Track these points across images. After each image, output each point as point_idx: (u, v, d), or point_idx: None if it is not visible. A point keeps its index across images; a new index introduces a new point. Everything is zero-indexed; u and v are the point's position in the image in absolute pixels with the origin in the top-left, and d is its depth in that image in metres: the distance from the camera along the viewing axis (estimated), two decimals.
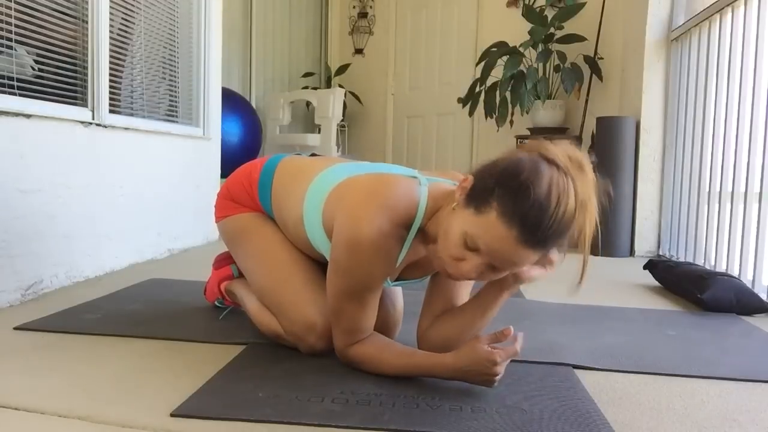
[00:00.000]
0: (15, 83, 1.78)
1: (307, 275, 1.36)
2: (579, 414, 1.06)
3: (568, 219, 0.99)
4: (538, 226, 0.97)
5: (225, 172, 3.59)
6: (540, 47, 3.79)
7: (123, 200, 2.29)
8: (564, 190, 0.98)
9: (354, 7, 5.53)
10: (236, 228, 1.48)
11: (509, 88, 3.83)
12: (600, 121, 3.25)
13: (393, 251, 1.16)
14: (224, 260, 1.68)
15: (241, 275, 1.60)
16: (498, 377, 1.11)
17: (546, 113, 3.91)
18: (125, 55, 2.41)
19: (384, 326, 1.39)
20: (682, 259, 2.89)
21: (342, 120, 4.85)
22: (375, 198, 1.15)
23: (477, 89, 4.00)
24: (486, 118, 4.03)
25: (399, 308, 1.46)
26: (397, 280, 1.29)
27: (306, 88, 5.23)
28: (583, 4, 3.73)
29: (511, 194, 0.99)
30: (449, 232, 1.07)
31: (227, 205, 1.51)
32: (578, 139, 3.83)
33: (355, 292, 1.17)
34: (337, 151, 4.73)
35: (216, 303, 1.72)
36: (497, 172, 1.04)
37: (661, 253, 3.20)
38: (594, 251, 3.22)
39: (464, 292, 1.31)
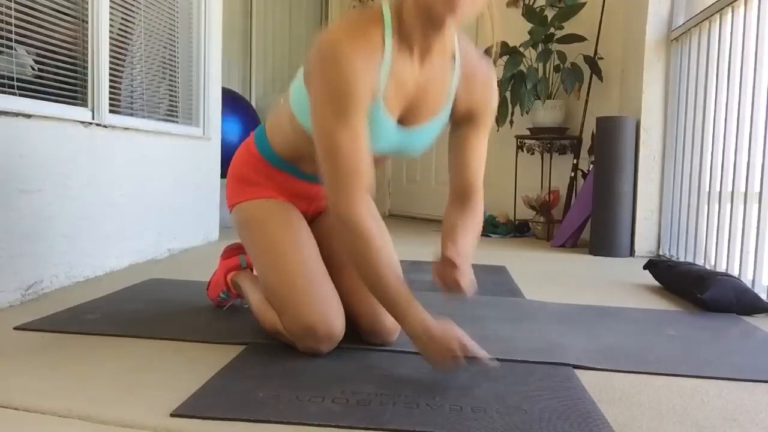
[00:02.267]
0: (15, 83, 1.78)
1: (315, 277, 1.34)
2: (579, 414, 1.06)
3: None
4: None
5: (225, 172, 3.59)
6: (540, 47, 3.79)
7: (123, 200, 2.29)
8: None
9: (354, 7, 5.53)
10: (248, 217, 1.45)
11: (509, 88, 3.83)
12: (600, 121, 3.25)
13: (369, 55, 1.15)
14: (233, 251, 1.68)
15: (248, 266, 1.60)
16: (446, 365, 1.15)
17: (546, 113, 3.90)
18: (125, 55, 2.41)
19: (374, 328, 1.39)
20: (682, 259, 2.89)
21: None
22: (338, 23, 1.18)
23: None
24: None
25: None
26: (403, 124, 1.28)
27: None
28: (583, 4, 3.73)
29: None
30: None
31: (238, 189, 1.48)
32: (578, 140, 3.83)
33: (340, 111, 1.14)
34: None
35: (221, 295, 1.70)
36: None
37: (661, 253, 3.20)
38: (590, 250, 3.23)
39: (477, 164, 1.39)
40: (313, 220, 1.57)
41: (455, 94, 1.32)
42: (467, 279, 1.19)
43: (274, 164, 1.46)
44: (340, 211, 1.17)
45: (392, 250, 1.31)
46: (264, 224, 1.42)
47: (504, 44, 3.89)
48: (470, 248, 1.32)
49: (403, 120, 1.28)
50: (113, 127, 2.22)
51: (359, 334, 1.43)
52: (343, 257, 1.40)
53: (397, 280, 1.18)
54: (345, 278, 1.41)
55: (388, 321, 1.39)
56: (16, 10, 1.79)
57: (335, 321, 1.30)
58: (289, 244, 1.37)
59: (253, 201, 1.45)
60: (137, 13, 2.48)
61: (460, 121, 1.38)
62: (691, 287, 2.01)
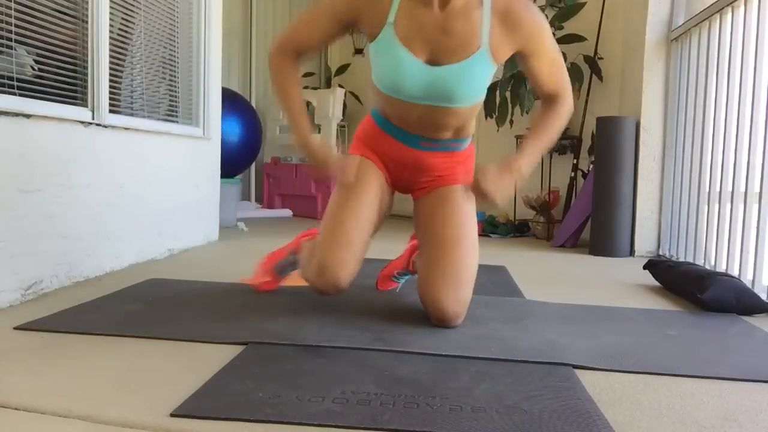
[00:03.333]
0: (15, 83, 1.78)
1: (352, 233, 1.55)
2: (579, 414, 1.06)
3: None
4: None
5: (225, 172, 3.59)
6: None
7: (123, 200, 2.29)
8: None
9: None
10: None
11: (509, 88, 3.84)
12: (600, 121, 3.25)
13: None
14: (314, 231, 1.86)
15: None
16: (319, 176, 1.59)
17: None
18: (125, 55, 2.41)
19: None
20: (682, 259, 2.89)
21: (342, 120, 4.85)
22: None
23: None
24: (486, 118, 4.03)
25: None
26: (432, 64, 1.43)
27: (306, 87, 5.24)
28: (583, 4, 3.73)
29: None
30: None
31: (352, 145, 1.75)
32: (578, 140, 3.83)
33: (316, 5, 1.47)
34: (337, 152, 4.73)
35: (284, 260, 1.87)
36: None
37: (661, 253, 3.20)
38: (591, 250, 3.23)
39: (551, 77, 1.53)
40: (418, 198, 1.75)
41: (491, 34, 1.42)
42: (494, 183, 1.42)
43: (381, 127, 1.66)
44: (270, 52, 1.58)
45: (297, 89, 1.59)
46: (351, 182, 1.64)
47: None
48: (533, 149, 1.51)
49: (434, 61, 1.45)
50: (113, 127, 2.22)
51: (358, 332, 1.43)
52: (438, 238, 1.64)
53: (294, 106, 1.56)
54: (430, 257, 1.63)
55: (449, 308, 1.56)
56: (16, 10, 1.78)
57: (340, 271, 1.53)
58: (352, 200, 1.60)
59: (355, 155, 1.70)
60: (137, 14, 2.48)
61: (519, 60, 1.53)
62: (691, 287, 2.01)
